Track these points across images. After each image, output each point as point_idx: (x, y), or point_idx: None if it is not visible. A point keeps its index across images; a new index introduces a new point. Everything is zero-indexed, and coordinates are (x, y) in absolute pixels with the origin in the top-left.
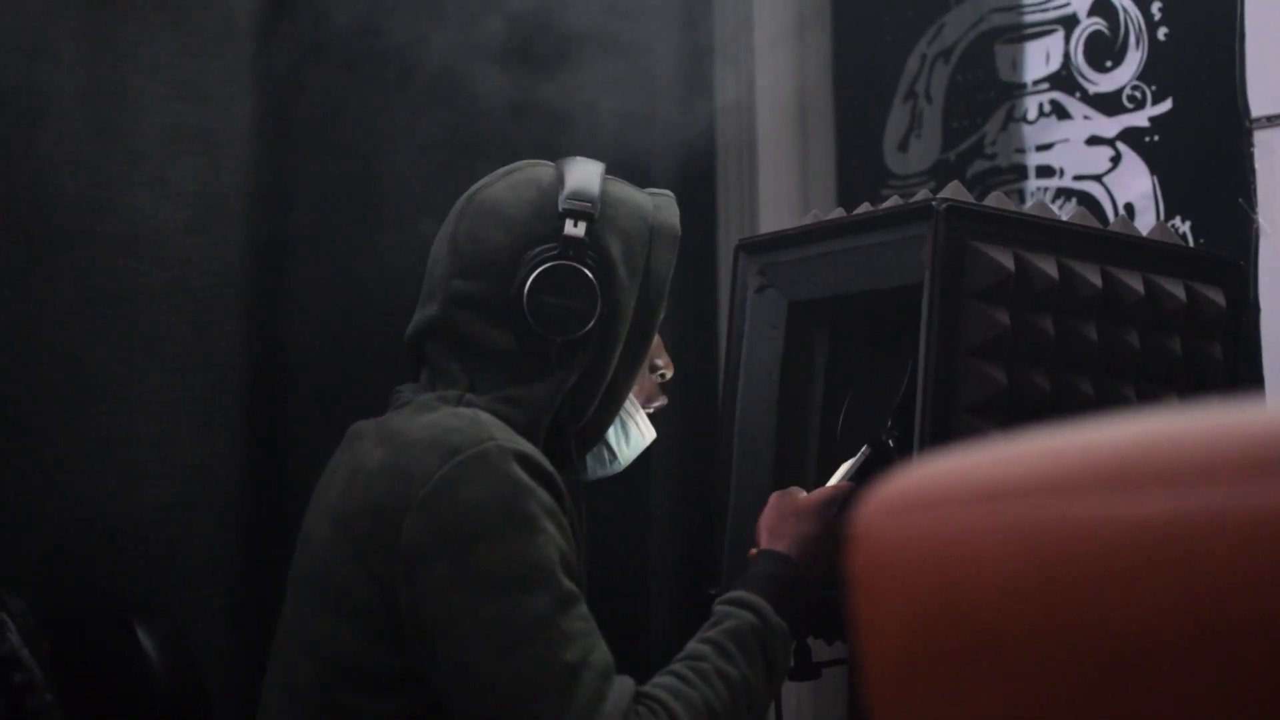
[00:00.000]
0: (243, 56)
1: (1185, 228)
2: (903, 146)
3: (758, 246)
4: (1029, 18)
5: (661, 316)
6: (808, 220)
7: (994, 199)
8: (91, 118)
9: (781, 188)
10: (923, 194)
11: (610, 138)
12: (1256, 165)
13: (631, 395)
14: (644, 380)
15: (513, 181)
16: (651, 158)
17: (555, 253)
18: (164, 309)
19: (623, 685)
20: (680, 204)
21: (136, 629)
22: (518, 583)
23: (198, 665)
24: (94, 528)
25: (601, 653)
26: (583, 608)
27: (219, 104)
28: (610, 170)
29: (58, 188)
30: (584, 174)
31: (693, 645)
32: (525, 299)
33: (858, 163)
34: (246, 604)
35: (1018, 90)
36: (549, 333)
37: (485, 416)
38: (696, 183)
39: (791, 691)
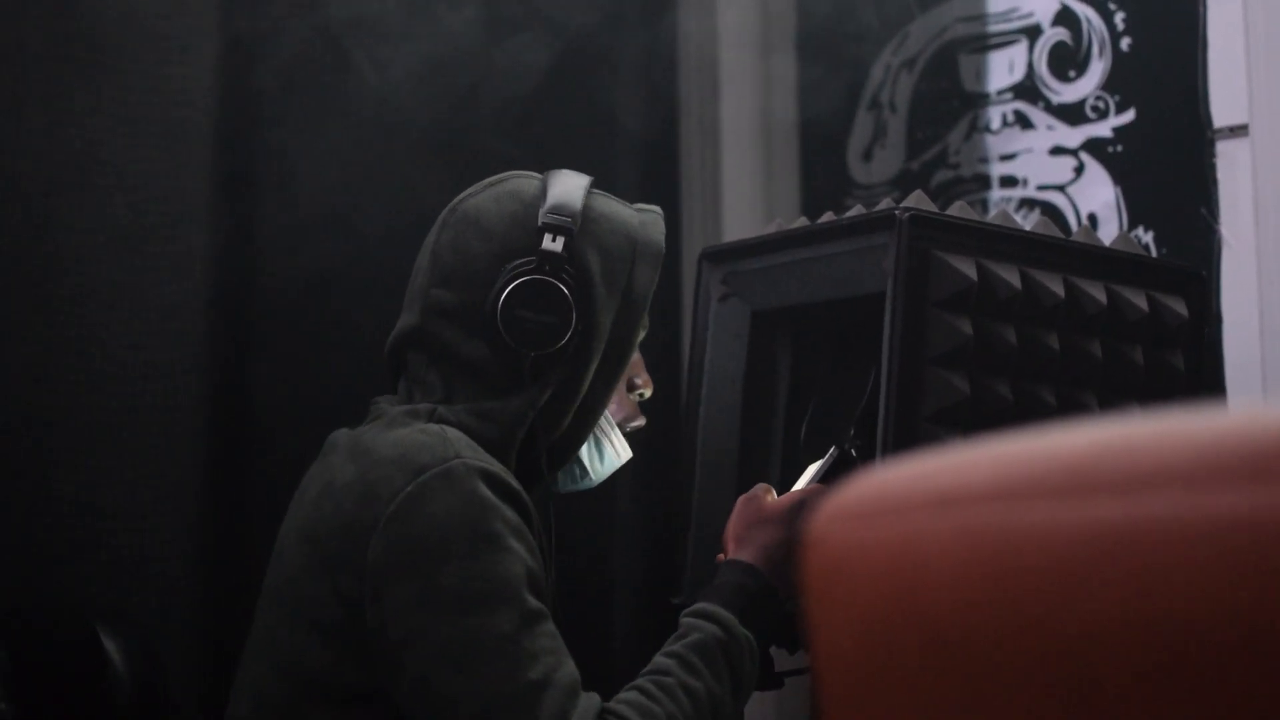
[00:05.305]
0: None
1: (1148, 238)
2: (866, 156)
3: (721, 255)
4: (993, 28)
5: (642, 335)
6: (771, 229)
7: (957, 209)
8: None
9: (745, 197)
10: (886, 203)
11: (572, 146)
12: (1219, 175)
13: (608, 413)
14: (622, 399)
15: (496, 193)
16: (615, 167)
17: (531, 267)
18: (123, 315)
19: (588, 702)
20: None
21: (102, 638)
22: (482, 601)
23: (164, 674)
24: (58, 536)
25: (567, 671)
26: (549, 625)
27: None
28: None
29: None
30: (567, 187)
31: (657, 659)
32: (499, 312)
33: (821, 172)
34: (213, 613)
35: (981, 100)
36: (522, 347)
37: (453, 433)
38: (660, 191)
39: (754, 701)
